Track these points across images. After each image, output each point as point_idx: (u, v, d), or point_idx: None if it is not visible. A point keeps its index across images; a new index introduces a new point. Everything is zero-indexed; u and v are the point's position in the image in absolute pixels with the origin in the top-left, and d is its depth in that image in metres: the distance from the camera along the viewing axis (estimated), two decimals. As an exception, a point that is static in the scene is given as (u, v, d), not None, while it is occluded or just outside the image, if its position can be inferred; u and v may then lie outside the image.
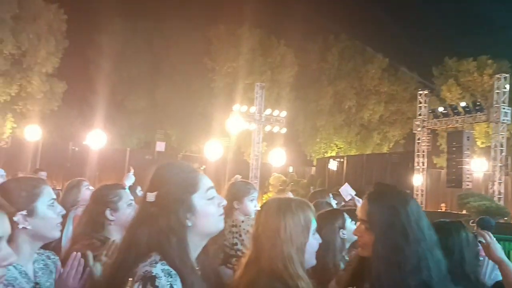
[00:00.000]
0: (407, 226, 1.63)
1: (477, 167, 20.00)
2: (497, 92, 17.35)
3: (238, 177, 5.45)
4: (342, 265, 2.53)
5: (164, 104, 26.30)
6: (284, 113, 20.45)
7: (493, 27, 27.23)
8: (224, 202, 1.64)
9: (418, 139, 20.18)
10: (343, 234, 2.66)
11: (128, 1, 25.41)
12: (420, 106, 20.20)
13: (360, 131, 29.06)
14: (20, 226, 1.65)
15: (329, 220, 2.61)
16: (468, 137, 17.79)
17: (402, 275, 1.57)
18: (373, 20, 31.08)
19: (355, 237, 2.86)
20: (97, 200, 2.43)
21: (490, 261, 2.37)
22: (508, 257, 2.25)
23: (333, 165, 25.52)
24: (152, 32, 27.04)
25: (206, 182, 1.60)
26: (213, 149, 21.53)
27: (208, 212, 1.55)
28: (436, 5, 35.35)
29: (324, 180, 23.62)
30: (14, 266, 1.63)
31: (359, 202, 4.32)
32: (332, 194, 4.73)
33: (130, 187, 3.42)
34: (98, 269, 1.91)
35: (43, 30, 21.51)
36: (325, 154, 28.27)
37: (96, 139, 20.25)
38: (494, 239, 2.25)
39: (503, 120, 17.30)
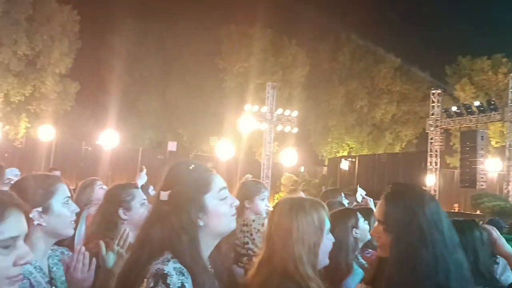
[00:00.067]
0: (424, 227, 1.59)
1: (491, 167, 19.78)
2: (512, 91, 17.13)
3: (249, 176, 5.44)
4: (354, 265, 2.52)
5: (175, 104, 26.42)
6: (295, 113, 20.38)
7: (507, 25, 26.77)
8: (237, 203, 1.63)
9: (431, 139, 19.98)
10: (356, 233, 2.64)
11: (140, 2, 25.62)
12: (433, 106, 19.99)
13: (372, 130, 28.89)
14: (35, 223, 1.68)
15: (342, 220, 2.60)
16: (482, 136, 17.55)
17: (413, 280, 1.53)
18: (385, 20, 30.83)
19: (368, 237, 2.87)
20: (111, 200, 2.46)
21: (502, 261, 2.37)
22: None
23: (345, 165, 25.42)
24: (163, 33, 27.20)
25: (219, 182, 1.60)
26: (224, 149, 21.58)
27: (220, 212, 1.56)
28: (449, 4, 35.02)
29: (335, 180, 23.53)
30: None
31: (371, 202, 4.31)
32: (344, 194, 4.70)
33: (142, 187, 3.44)
34: (111, 258, 1.93)
35: (57, 31, 21.70)
36: (337, 154, 28.17)
37: (109, 139, 20.46)
38: (500, 235, 2.25)
39: (518, 119, 17.05)
